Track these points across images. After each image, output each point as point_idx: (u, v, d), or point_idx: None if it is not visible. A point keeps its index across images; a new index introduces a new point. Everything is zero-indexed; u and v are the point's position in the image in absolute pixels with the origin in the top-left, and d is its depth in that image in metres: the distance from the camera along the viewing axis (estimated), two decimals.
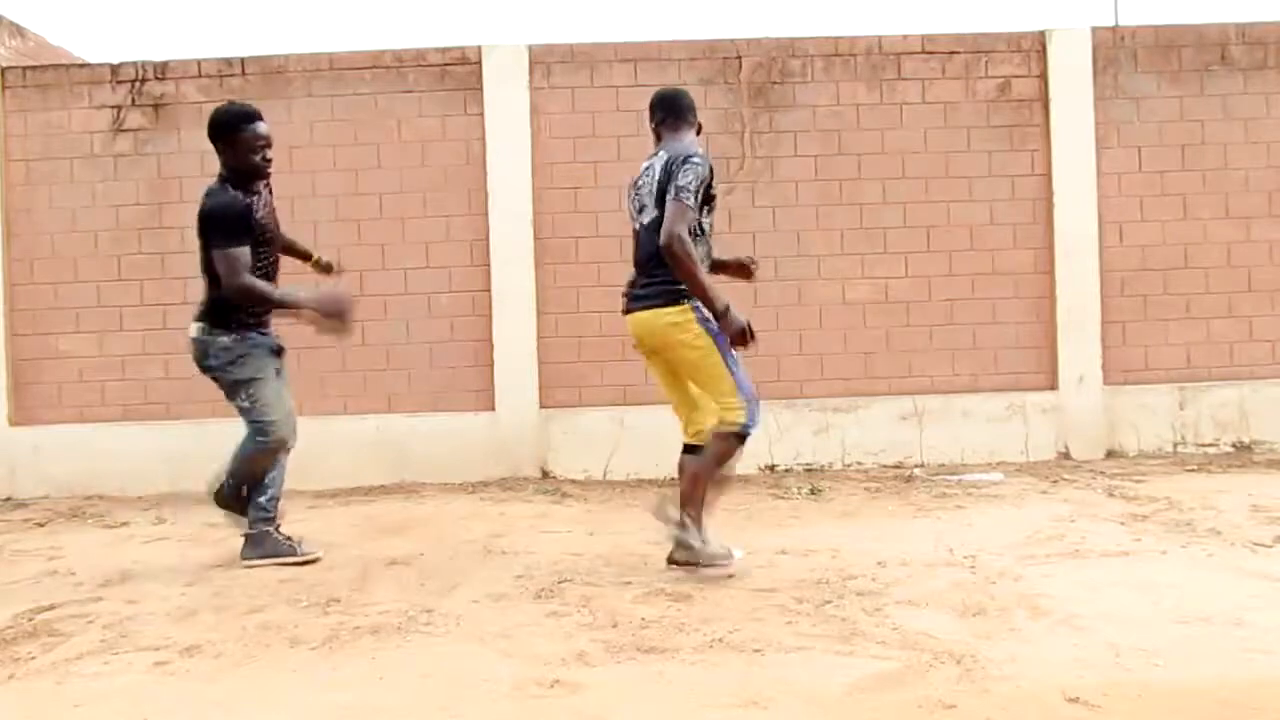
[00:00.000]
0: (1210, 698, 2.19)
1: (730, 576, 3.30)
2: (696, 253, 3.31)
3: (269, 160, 3.68)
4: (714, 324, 3.36)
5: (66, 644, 2.81)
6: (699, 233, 3.37)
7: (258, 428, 3.71)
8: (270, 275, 3.72)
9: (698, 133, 3.59)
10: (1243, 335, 5.67)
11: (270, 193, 3.81)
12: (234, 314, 3.65)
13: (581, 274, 5.59)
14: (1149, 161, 5.66)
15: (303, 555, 3.73)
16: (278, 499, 3.84)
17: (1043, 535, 3.78)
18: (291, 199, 5.59)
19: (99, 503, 5.25)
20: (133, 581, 3.51)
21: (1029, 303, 5.65)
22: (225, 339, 3.66)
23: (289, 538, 3.80)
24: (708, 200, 3.42)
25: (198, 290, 5.54)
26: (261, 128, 3.63)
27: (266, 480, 3.79)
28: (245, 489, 3.77)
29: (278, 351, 3.80)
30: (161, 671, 2.58)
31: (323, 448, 5.51)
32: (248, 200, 3.60)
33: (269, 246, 3.73)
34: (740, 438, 3.38)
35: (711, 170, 3.39)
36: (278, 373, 3.79)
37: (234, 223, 3.54)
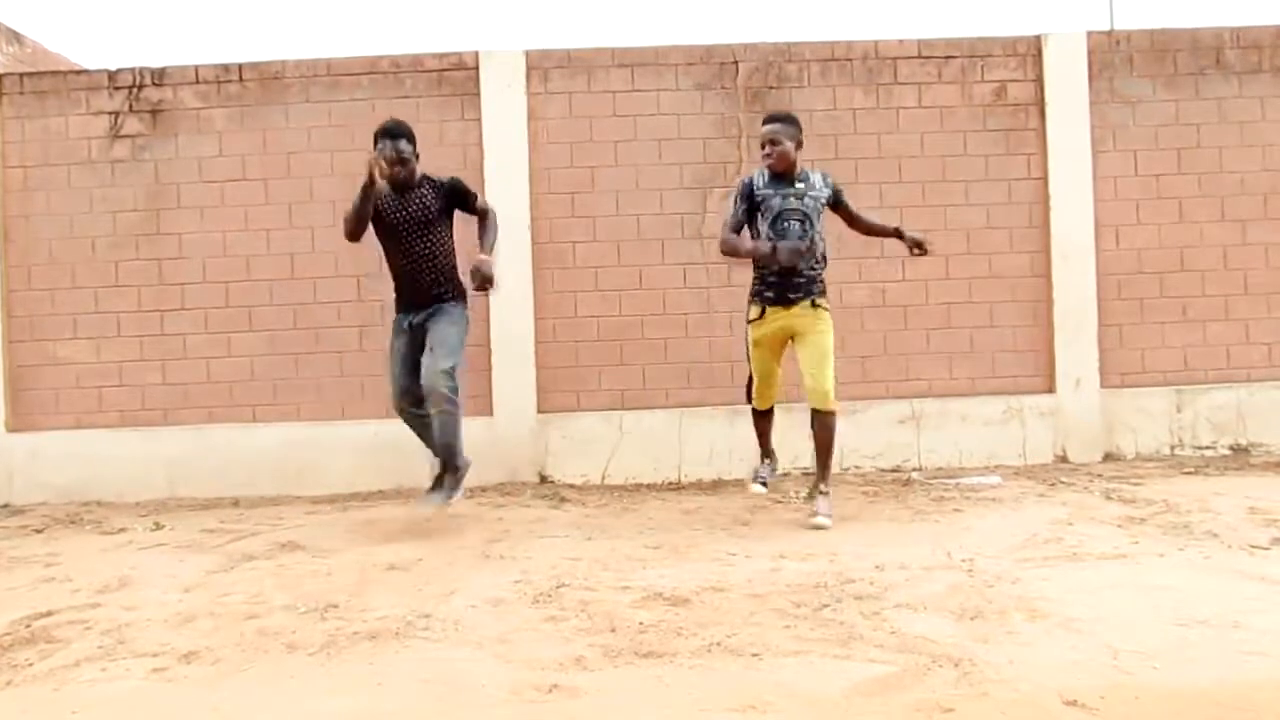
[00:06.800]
0: (1208, 700, 2.19)
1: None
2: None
3: (397, 172, 4.22)
4: None
5: (64, 650, 2.81)
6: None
7: None
8: (399, 261, 4.36)
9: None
10: (1239, 338, 5.69)
11: (429, 194, 4.33)
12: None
13: (579, 278, 5.60)
14: (1145, 165, 5.68)
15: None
16: (438, 462, 4.43)
17: (1040, 538, 3.78)
18: (289, 204, 5.62)
19: (96, 509, 5.25)
20: (130, 587, 3.50)
21: (1026, 306, 5.66)
22: None
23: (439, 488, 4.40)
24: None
25: (195, 295, 5.62)
26: (388, 142, 4.20)
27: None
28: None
29: (409, 327, 4.39)
30: (159, 678, 2.58)
31: (321, 453, 5.52)
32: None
33: (388, 240, 4.37)
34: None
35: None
36: (403, 345, 4.39)
37: None
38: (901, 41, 5.69)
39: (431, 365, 4.16)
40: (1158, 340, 5.68)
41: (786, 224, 4.24)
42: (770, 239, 4.22)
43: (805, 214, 4.26)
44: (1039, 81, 5.66)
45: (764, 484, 4.57)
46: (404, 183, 4.26)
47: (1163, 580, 3.14)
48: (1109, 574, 3.24)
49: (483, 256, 4.22)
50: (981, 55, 5.67)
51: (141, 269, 5.60)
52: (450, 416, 4.17)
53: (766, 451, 4.67)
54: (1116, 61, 5.69)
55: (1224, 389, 5.65)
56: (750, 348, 4.44)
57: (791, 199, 4.26)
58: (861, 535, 3.97)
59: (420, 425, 4.38)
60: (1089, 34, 5.69)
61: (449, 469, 4.29)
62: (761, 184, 4.31)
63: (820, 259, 4.33)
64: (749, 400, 4.60)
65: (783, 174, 4.29)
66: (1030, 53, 5.68)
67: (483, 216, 4.37)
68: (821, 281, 4.35)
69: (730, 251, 4.35)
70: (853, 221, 4.48)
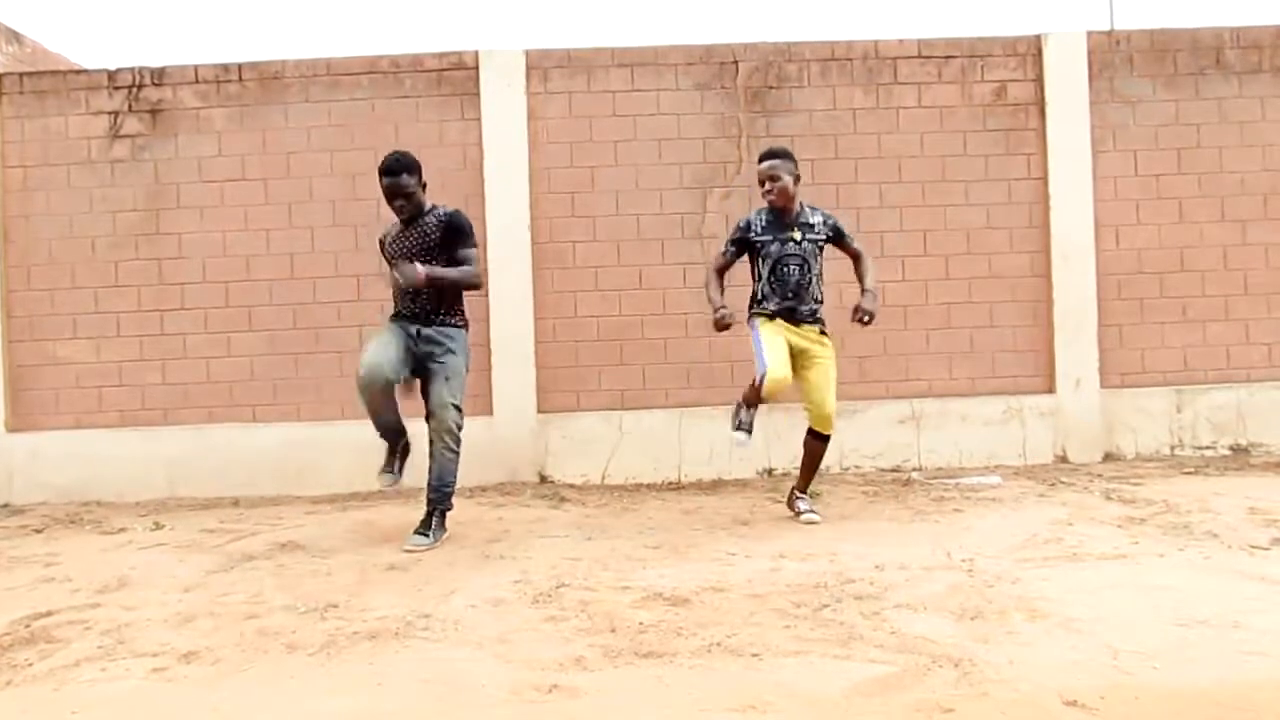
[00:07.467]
0: (1207, 700, 2.19)
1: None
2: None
3: (400, 207, 4.15)
4: None
5: (64, 650, 2.81)
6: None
7: None
8: (401, 286, 4.13)
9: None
10: (1239, 338, 5.69)
11: (431, 225, 4.20)
12: None
13: (579, 278, 5.60)
14: (1145, 165, 5.68)
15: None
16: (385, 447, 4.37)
17: (1040, 538, 3.78)
18: (289, 204, 5.62)
19: (96, 509, 5.25)
20: (130, 587, 3.50)
21: (1026, 306, 5.66)
22: None
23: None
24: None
25: (195, 295, 5.63)
26: (386, 181, 4.11)
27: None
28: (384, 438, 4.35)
29: (412, 333, 4.18)
30: (159, 678, 2.58)
31: (321, 453, 5.52)
32: (381, 235, 4.39)
33: (393, 268, 4.17)
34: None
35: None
36: (399, 336, 4.14)
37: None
38: (901, 41, 5.69)
39: (446, 396, 4.09)
40: (1158, 340, 5.68)
41: (786, 269, 4.29)
42: (771, 283, 4.30)
43: (804, 258, 4.30)
44: (1039, 81, 5.66)
45: (749, 431, 4.29)
46: (411, 215, 4.20)
47: (1163, 580, 3.14)
48: (1109, 574, 3.25)
49: (422, 267, 4.02)
50: (981, 55, 5.68)
51: (141, 269, 5.60)
52: (452, 461, 4.15)
53: (752, 405, 4.30)
54: (1116, 61, 5.69)
55: (1224, 389, 5.65)
56: (761, 333, 4.24)
57: (790, 244, 4.29)
58: (861, 535, 3.97)
59: (383, 401, 4.04)
60: (1089, 34, 5.69)
61: (436, 510, 4.14)
62: (760, 228, 4.33)
63: (818, 300, 4.35)
64: (754, 398, 4.25)
65: (783, 211, 4.31)
66: (1030, 53, 5.68)
67: (462, 262, 4.17)
68: (821, 316, 4.38)
69: (706, 287, 4.45)
70: (856, 262, 4.44)
